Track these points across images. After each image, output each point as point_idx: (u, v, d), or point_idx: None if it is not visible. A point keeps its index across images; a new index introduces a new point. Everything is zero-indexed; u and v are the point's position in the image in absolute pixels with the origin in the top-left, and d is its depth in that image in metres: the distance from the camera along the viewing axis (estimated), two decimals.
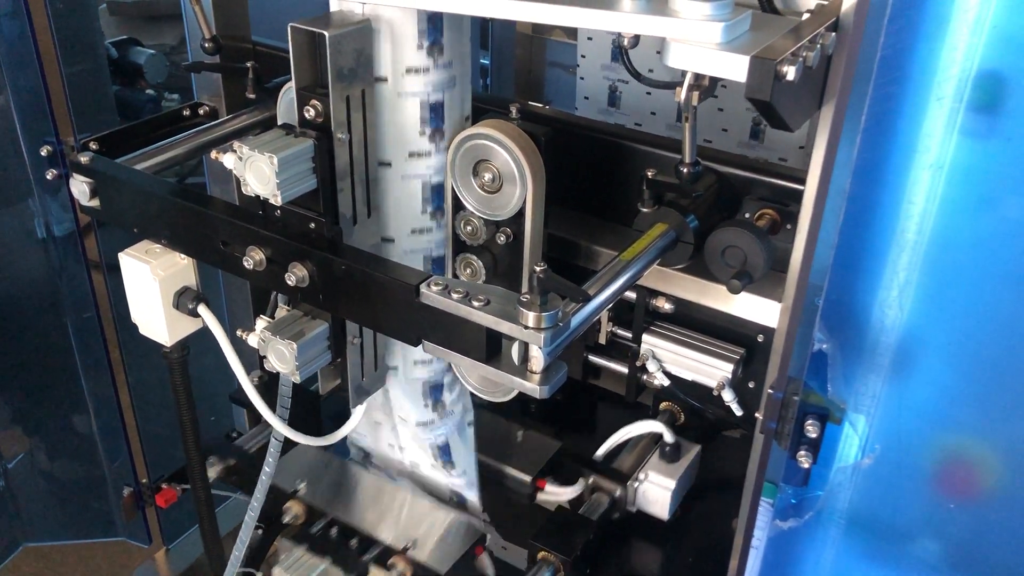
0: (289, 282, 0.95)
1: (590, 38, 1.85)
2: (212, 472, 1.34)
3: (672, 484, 1.23)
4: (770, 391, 0.84)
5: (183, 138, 1.22)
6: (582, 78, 1.84)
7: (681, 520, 1.31)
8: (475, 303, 0.84)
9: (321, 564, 1.22)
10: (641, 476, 1.24)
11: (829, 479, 0.84)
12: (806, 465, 0.82)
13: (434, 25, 0.95)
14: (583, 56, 1.84)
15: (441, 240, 1.07)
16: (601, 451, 1.30)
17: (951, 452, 0.78)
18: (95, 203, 1.10)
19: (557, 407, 1.55)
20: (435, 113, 1.00)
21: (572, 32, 2.07)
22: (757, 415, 0.86)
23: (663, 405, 1.42)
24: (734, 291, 0.99)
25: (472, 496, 1.27)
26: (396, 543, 1.20)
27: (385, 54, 0.95)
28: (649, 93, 1.78)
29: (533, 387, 0.85)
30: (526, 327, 0.81)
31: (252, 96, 1.32)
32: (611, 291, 0.92)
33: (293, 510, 1.27)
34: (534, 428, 1.37)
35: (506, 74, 2.29)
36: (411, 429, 1.20)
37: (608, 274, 0.93)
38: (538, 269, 0.80)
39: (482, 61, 2.31)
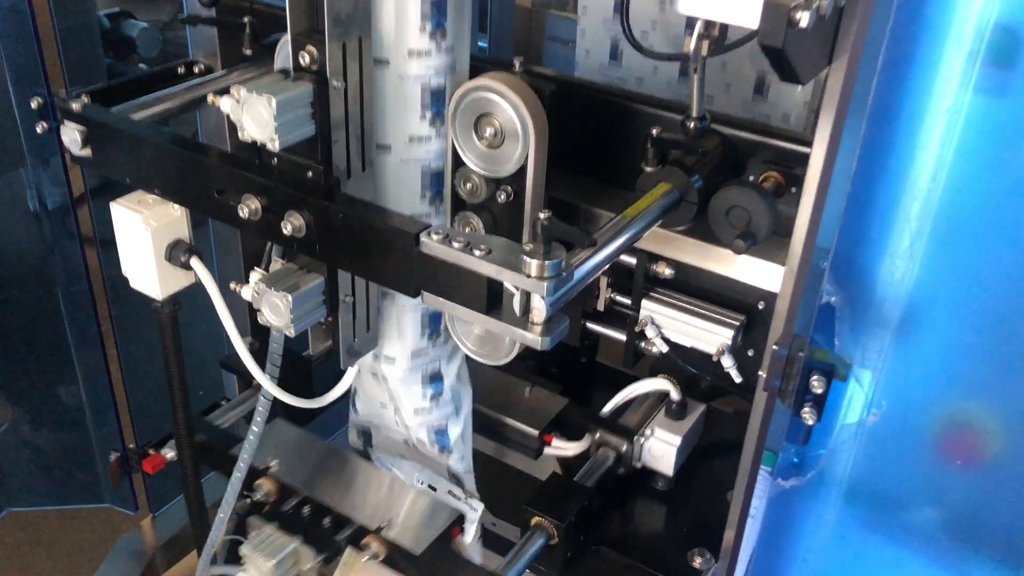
0: (285, 231, 0.92)
1: None
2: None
3: (678, 440, 1.24)
4: (775, 347, 0.82)
5: (177, 90, 1.20)
6: (583, 29, 1.79)
7: (677, 488, 1.30)
8: (476, 252, 0.82)
9: (291, 543, 1.17)
10: (647, 432, 1.25)
11: (833, 437, 0.83)
12: (810, 422, 0.80)
13: (438, 8, 0.94)
14: (585, 7, 1.78)
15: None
16: (607, 408, 1.31)
17: (959, 410, 0.76)
18: (86, 152, 1.07)
19: (563, 369, 1.54)
20: (436, 98, 0.99)
21: (571, 6, 2.04)
22: (760, 373, 0.85)
23: (660, 376, 1.41)
24: (738, 251, 0.97)
25: (469, 482, 1.26)
26: (370, 522, 1.16)
27: (388, 36, 0.94)
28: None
29: (534, 338, 0.83)
30: (528, 276, 0.80)
31: (248, 52, 1.30)
32: (614, 246, 0.90)
33: (264, 488, 1.23)
34: (541, 385, 1.37)
35: (504, 51, 2.27)
36: (408, 415, 1.19)
37: (612, 230, 0.91)
38: (542, 216, 0.79)
39: (480, 44, 2.29)
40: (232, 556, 1.51)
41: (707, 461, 1.34)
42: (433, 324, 1.14)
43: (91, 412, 1.94)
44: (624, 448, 1.23)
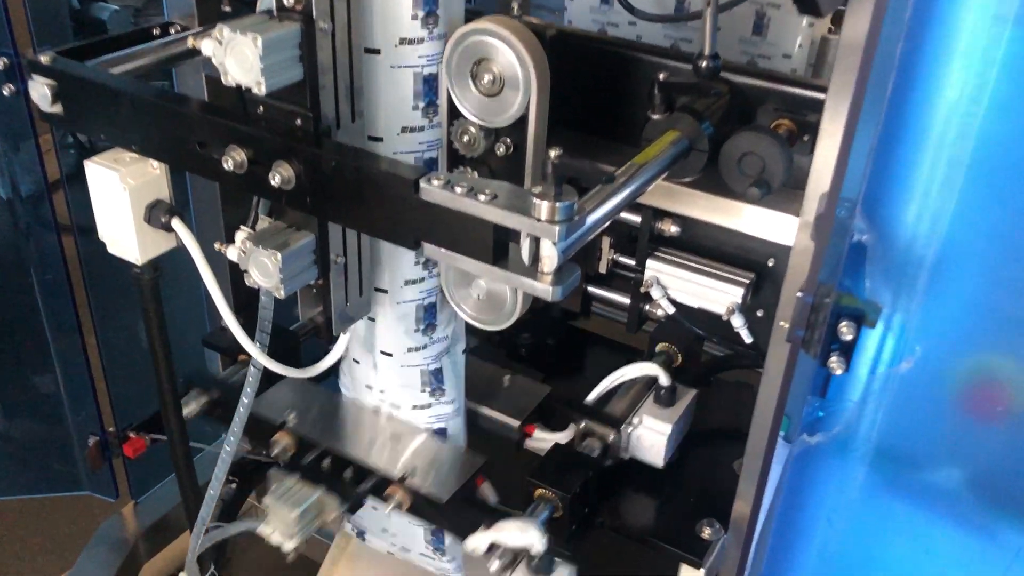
0: (273, 182, 0.87)
1: None
2: (195, 406, 1.26)
3: (668, 429, 1.16)
4: (799, 295, 0.77)
5: (153, 47, 1.13)
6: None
7: (680, 459, 1.25)
8: (481, 197, 0.77)
9: (314, 493, 1.14)
10: (635, 421, 1.17)
11: (862, 388, 0.78)
12: (839, 372, 0.76)
13: None
14: None
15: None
16: (592, 395, 1.23)
17: (1001, 355, 0.72)
18: (57, 109, 1.01)
19: (546, 352, 1.49)
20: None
21: None
22: (782, 323, 0.80)
23: (660, 346, 1.36)
24: (753, 200, 0.93)
25: (457, 426, 1.20)
26: (393, 472, 1.12)
27: None
28: None
29: (545, 288, 0.78)
30: (538, 220, 0.74)
31: (228, 9, 1.23)
32: (626, 193, 0.85)
33: (282, 442, 1.19)
34: (521, 372, 1.31)
35: None
36: (399, 359, 1.13)
37: (621, 177, 0.86)
38: (552, 154, 0.74)
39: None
40: (219, 545, 1.46)
41: (708, 431, 1.29)
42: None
43: (68, 400, 1.87)
44: (611, 438, 1.16)
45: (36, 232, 1.74)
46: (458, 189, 0.78)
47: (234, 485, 1.45)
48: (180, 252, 1.05)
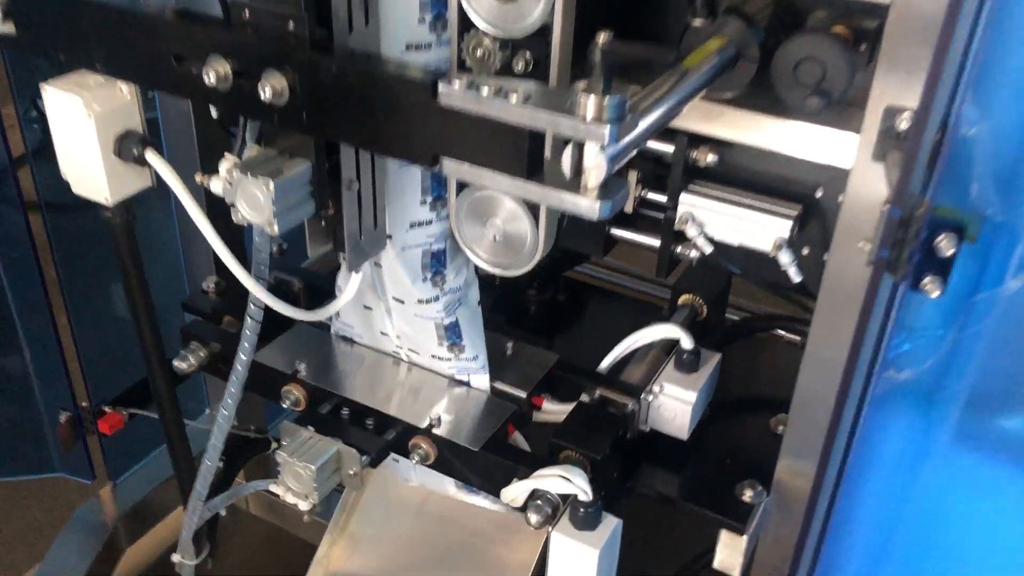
0: (264, 96, 0.74)
1: None
2: (194, 360, 1.15)
3: (692, 397, 1.05)
4: (886, 208, 0.66)
5: None
6: None
7: (711, 419, 1.13)
8: (512, 98, 0.65)
9: (332, 447, 1.03)
10: (656, 389, 1.06)
11: (962, 313, 0.67)
12: (936, 295, 0.65)
13: None
14: None
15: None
16: (606, 362, 1.12)
17: None
18: (8, 28, 0.88)
19: (551, 317, 1.39)
20: None
21: None
22: (861, 245, 0.69)
23: (682, 299, 1.26)
24: (812, 110, 0.82)
25: (482, 383, 1.09)
26: (418, 422, 1.02)
27: None
28: None
29: (591, 204, 0.66)
30: (584, 120, 0.63)
31: None
32: (677, 99, 0.73)
33: (293, 395, 1.08)
34: (526, 340, 1.19)
35: None
36: (411, 308, 1.01)
37: (669, 80, 0.75)
38: (601, 40, 0.62)
39: None
40: (211, 524, 1.35)
41: (734, 388, 1.18)
42: (435, 189, 0.96)
43: (38, 378, 1.76)
44: (630, 408, 1.05)
45: (0, 210, 1.64)
46: (484, 90, 0.66)
47: (221, 463, 1.34)
48: (152, 211, 0.93)
